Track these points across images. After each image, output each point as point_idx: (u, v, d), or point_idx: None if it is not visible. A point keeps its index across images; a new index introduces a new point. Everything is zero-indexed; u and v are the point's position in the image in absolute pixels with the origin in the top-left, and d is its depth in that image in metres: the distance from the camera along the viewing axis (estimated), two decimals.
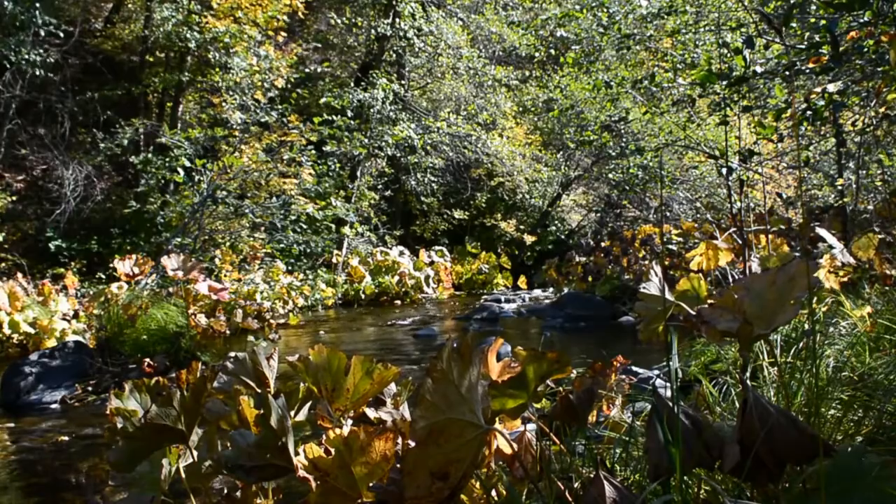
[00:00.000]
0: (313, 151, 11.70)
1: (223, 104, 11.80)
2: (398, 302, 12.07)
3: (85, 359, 5.57)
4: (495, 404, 1.45)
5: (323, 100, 13.54)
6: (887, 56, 3.15)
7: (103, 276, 9.89)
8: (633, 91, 8.11)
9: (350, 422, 1.81)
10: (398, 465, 1.44)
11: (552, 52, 11.49)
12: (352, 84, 14.85)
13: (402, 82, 15.61)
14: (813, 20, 4.17)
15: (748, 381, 1.40)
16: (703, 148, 9.00)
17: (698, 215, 12.41)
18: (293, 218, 11.57)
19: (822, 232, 3.67)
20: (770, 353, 2.09)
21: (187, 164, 10.14)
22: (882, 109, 4.66)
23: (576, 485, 1.54)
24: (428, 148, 15.47)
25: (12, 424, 4.56)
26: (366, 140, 13.27)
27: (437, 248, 14.20)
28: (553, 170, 16.82)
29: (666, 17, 7.28)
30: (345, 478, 1.47)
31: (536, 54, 11.59)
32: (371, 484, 1.46)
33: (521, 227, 17.02)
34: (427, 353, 6.82)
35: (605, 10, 7.42)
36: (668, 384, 3.17)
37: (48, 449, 3.99)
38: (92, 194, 11.88)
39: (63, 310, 6.91)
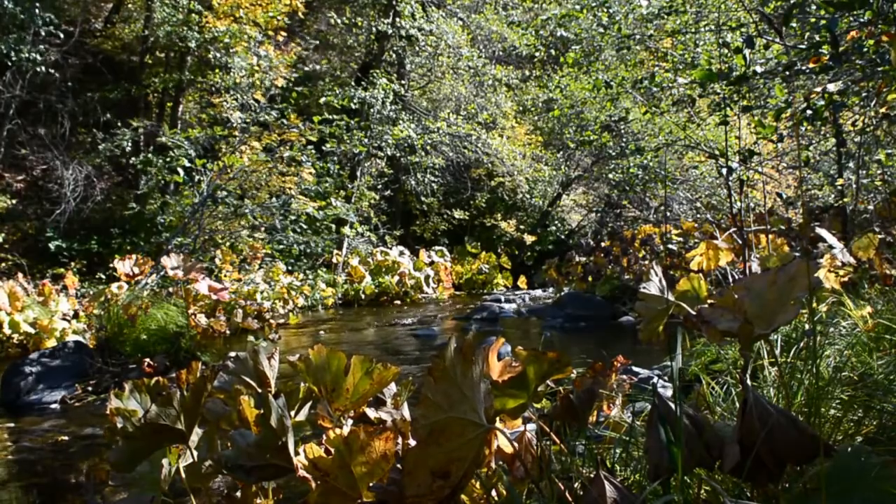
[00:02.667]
0: (313, 151, 11.70)
1: (223, 104, 11.80)
2: (398, 302, 12.06)
3: (85, 359, 5.57)
4: (496, 404, 1.45)
5: (323, 99, 13.53)
6: (887, 56, 3.15)
7: (103, 276, 9.89)
8: (633, 91, 8.11)
9: (350, 422, 1.81)
10: (398, 465, 1.44)
11: (552, 52, 11.49)
12: (352, 84, 14.85)
13: (402, 82, 15.61)
14: (813, 20, 4.17)
15: (748, 381, 1.39)
16: (704, 148, 9.00)
17: (698, 215, 12.39)
18: (293, 218, 11.57)
19: (822, 232, 3.67)
20: (770, 353, 2.09)
21: (187, 164, 10.14)
22: (882, 109, 4.66)
23: (576, 485, 1.54)
24: (428, 148, 15.47)
25: (12, 424, 4.56)
26: (366, 139, 13.26)
27: (437, 248, 14.19)
28: (553, 170, 16.81)
29: (666, 17, 7.29)
30: (345, 478, 1.47)
31: (536, 54, 11.58)
32: (371, 484, 1.46)
33: (521, 227, 17.02)
34: (427, 353, 6.81)
35: (605, 10, 7.43)
36: (669, 384, 3.17)
37: (48, 449, 3.99)
38: (92, 194, 11.88)
39: (63, 310, 6.90)
